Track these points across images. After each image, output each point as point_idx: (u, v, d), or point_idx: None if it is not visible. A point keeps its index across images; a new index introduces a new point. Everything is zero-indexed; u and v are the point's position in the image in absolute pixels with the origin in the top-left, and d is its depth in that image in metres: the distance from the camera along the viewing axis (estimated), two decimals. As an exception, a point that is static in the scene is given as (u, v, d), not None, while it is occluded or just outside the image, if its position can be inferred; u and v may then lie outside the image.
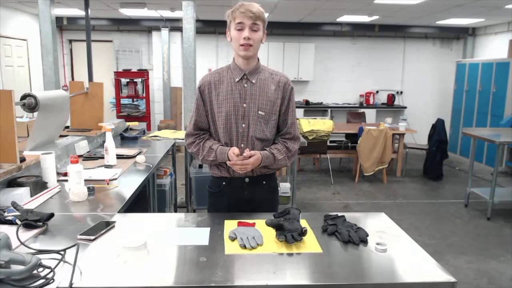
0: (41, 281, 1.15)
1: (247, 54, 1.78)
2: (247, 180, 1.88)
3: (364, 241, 1.49)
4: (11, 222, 1.56)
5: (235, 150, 1.76)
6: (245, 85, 1.83)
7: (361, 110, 8.01)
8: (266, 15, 6.88)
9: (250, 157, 1.75)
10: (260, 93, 1.83)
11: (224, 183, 1.90)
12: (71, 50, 8.29)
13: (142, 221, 1.71)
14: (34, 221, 1.53)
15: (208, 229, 1.58)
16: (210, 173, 1.98)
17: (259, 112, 1.83)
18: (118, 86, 6.93)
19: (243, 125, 1.83)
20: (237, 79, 1.83)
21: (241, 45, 1.75)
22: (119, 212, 1.82)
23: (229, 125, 1.83)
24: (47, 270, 1.19)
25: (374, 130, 5.65)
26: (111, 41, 8.18)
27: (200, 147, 1.86)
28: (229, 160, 1.78)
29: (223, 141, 1.85)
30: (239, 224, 1.62)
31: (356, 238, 1.48)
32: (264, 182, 1.93)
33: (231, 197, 1.90)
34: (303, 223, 1.62)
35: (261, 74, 1.86)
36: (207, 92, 1.84)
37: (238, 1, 1.78)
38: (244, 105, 1.82)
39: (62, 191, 2.09)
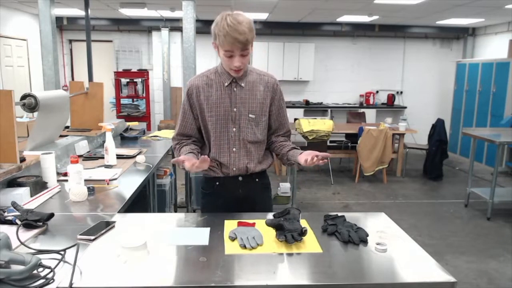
0: (41, 281, 1.15)
1: (238, 75, 1.79)
2: (240, 178, 1.88)
3: (364, 241, 1.49)
4: (11, 222, 1.56)
5: (186, 159, 1.66)
6: (235, 89, 1.82)
7: (361, 110, 8.01)
8: (266, 15, 6.95)
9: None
10: (250, 96, 1.83)
11: (217, 183, 1.90)
12: (71, 50, 8.30)
13: (142, 221, 1.71)
14: (34, 221, 1.53)
15: (208, 229, 1.58)
16: (202, 173, 1.95)
17: (250, 115, 1.83)
18: (118, 86, 6.93)
19: (234, 129, 1.83)
20: (226, 84, 1.81)
21: (232, 69, 1.75)
22: (119, 212, 1.82)
23: (219, 129, 1.82)
24: (47, 270, 1.19)
25: (374, 130, 5.65)
26: (111, 41, 8.18)
27: (177, 153, 1.88)
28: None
29: (214, 145, 1.84)
30: (239, 224, 1.62)
31: (356, 238, 1.48)
32: (257, 180, 1.93)
33: (225, 196, 1.89)
34: (303, 223, 1.62)
35: (250, 76, 1.85)
36: (195, 96, 1.83)
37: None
38: (235, 109, 1.81)
39: (62, 191, 2.09)
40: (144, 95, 7.03)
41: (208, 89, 1.82)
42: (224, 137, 1.83)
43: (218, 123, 1.82)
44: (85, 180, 2.11)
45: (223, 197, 1.89)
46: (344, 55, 8.50)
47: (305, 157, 1.69)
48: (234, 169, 1.85)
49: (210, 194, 1.93)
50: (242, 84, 1.82)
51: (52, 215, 1.60)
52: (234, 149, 1.84)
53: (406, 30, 8.14)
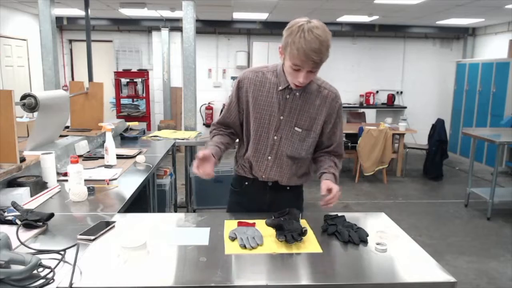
0: (41, 281, 1.15)
1: (298, 89, 1.64)
2: (270, 184, 1.79)
3: (364, 241, 1.49)
4: (11, 222, 1.56)
5: (206, 152, 1.61)
6: (287, 96, 1.66)
7: (361, 110, 8.02)
8: (266, 15, 6.95)
9: (329, 190, 1.60)
10: (302, 108, 1.67)
11: (246, 183, 1.83)
12: (71, 50, 8.29)
13: (142, 221, 1.71)
14: (34, 221, 1.53)
15: (208, 229, 1.58)
16: (233, 170, 1.91)
17: (295, 128, 1.69)
18: (118, 86, 6.93)
19: (275, 138, 1.70)
20: (281, 87, 1.66)
21: (293, 83, 1.60)
22: (119, 212, 1.82)
23: (259, 133, 1.71)
24: (47, 270, 1.19)
25: (374, 130, 5.65)
26: (111, 41, 8.18)
27: (210, 137, 1.83)
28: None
29: (252, 147, 1.75)
30: (239, 224, 1.62)
31: (356, 238, 1.49)
32: (288, 188, 1.82)
33: (252, 198, 1.82)
34: (303, 223, 1.62)
35: (308, 85, 1.65)
36: (245, 89, 1.70)
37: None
38: (281, 117, 1.68)
39: (62, 191, 2.09)
40: (144, 95, 7.03)
41: (260, 87, 1.69)
42: (263, 142, 1.72)
43: (260, 127, 1.71)
44: (85, 180, 2.10)
45: (250, 198, 1.82)
46: (344, 55, 8.49)
47: (324, 191, 1.66)
48: (264, 176, 1.77)
49: (238, 192, 1.87)
50: (297, 93, 1.66)
51: (52, 215, 1.60)
52: (269, 158, 1.73)
53: (406, 30, 8.14)
